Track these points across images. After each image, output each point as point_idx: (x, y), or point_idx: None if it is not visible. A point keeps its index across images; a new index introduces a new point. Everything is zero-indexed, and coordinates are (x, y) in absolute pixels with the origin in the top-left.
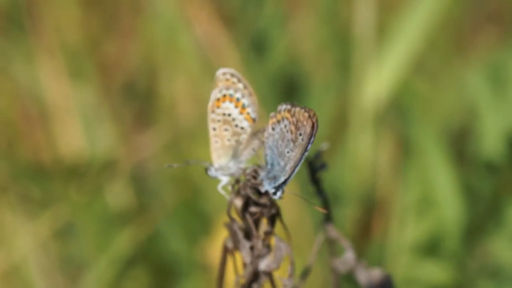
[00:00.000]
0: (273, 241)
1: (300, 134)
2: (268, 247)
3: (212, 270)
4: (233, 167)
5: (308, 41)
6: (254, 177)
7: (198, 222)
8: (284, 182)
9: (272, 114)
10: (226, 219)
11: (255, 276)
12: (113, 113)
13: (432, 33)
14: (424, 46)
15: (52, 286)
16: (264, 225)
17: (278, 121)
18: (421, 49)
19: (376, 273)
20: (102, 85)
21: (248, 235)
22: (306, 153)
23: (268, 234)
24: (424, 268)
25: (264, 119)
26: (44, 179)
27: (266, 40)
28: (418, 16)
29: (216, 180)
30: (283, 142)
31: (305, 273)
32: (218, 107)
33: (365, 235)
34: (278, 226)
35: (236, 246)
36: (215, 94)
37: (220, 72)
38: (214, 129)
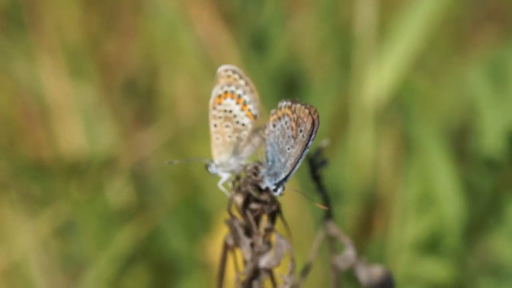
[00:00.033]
0: (274, 238)
1: (301, 131)
2: (268, 244)
3: (212, 268)
4: (234, 163)
5: (309, 39)
6: (255, 174)
7: (198, 220)
8: (285, 179)
9: (273, 111)
10: (226, 216)
11: (256, 273)
12: (114, 111)
13: (433, 31)
14: (425, 44)
15: (53, 284)
16: (264, 222)
17: (279, 118)
18: (421, 47)
19: (376, 270)
20: (103, 83)
21: (248, 232)
22: (307, 150)
23: (268, 231)
24: (424, 265)
25: (264, 118)
26: (45, 177)
27: (267, 38)
28: (418, 14)
29: (217, 177)
30: (284, 139)
31: (306, 270)
32: (219, 103)
33: (365, 232)
34: (278, 223)
35: (237, 243)
36: (216, 90)
37: (221, 68)
38: (215, 125)
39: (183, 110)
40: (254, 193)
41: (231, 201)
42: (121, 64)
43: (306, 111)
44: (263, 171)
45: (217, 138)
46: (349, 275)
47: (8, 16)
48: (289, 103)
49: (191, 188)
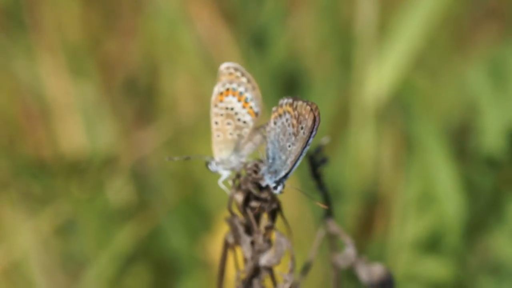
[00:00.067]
0: (274, 236)
1: (302, 128)
2: (268, 242)
3: (213, 267)
4: (234, 161)
5: (309, 38)
6: (255, 172)
7: (199, 219)
8: (285, 176)
9: (274, 108)
10: (226, 214)
11: (256, 271)
12: (114, 110)
13: (433, 30)
14: (425, 43)
15: (53, 283)
16: (264, 220)
17: (280, 115)
18: (421, 46)
19: (376, 269)
20: (103, 82)
21: (248, 230)
22: (307, 147)
23: (268, 229)
24: (425, 264)
25: (265, 116)
26: (45, 176)
27: (267, 37)
28: (418, 13)
29: (217, 176)
30: (285, 136)
31: (306, 268)
32: (221, 101)
33: (366, 231)
34: (279, 221)
35: (237, 241)
36: (218, 88)
37: (223, 66)
38: (217, 123)
39: (184, 109)
40: (255, 191)
41: (231, 199)
42: (122, 63)
43: (308, 107)
44: (263, 168)
45: (218, 136)
46: (349, 274)
47: (8, 15)
48: (290, 101)
49: (192, 187)
